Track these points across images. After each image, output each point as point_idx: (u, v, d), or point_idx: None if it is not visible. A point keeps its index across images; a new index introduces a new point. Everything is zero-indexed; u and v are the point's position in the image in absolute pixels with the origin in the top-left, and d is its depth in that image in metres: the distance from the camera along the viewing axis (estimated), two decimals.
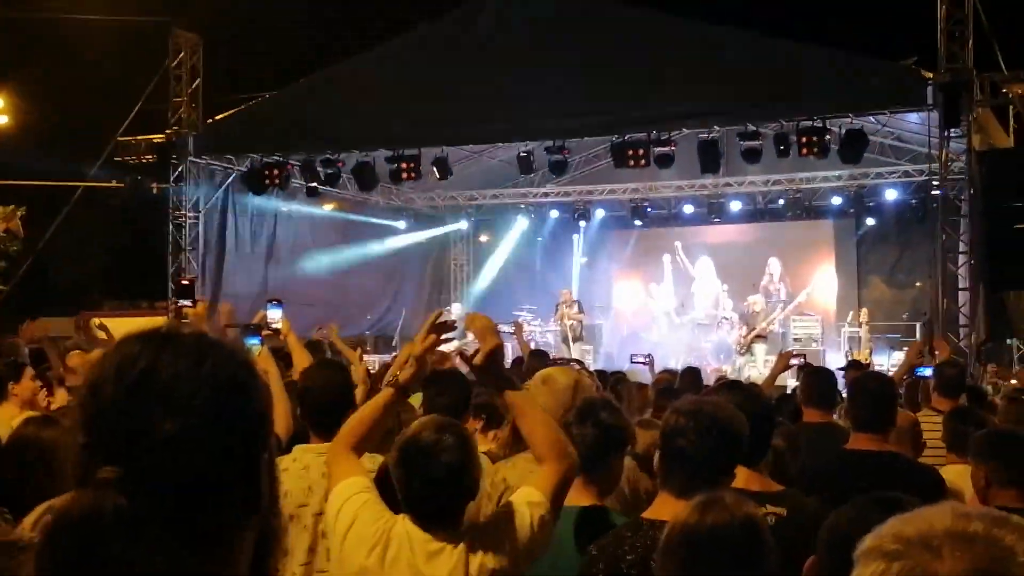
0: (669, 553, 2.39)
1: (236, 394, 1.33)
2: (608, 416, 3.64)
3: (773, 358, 17.05)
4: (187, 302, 7.74)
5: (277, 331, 6.71)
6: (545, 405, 3.97)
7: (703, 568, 2.34)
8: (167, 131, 17.37)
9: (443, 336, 3.70)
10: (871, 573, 1.18)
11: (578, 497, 3.65)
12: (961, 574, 1.12)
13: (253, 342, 5.47)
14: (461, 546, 3.17)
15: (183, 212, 17.68)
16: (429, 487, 3.19)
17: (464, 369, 5.71)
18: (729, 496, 2.38)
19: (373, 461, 3.83)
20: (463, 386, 5.19)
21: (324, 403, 4.42)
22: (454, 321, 3.85)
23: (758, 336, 18.27)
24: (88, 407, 1.30)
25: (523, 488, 3.37)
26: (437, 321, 3.67)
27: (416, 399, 5.25)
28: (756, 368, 17.37)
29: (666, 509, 3.15)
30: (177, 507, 1.24)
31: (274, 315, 6.79)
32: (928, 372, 7.66)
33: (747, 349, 18.30)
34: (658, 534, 3.01)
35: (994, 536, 1.15)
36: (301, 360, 6.26)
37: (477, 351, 3.45)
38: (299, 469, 4.21)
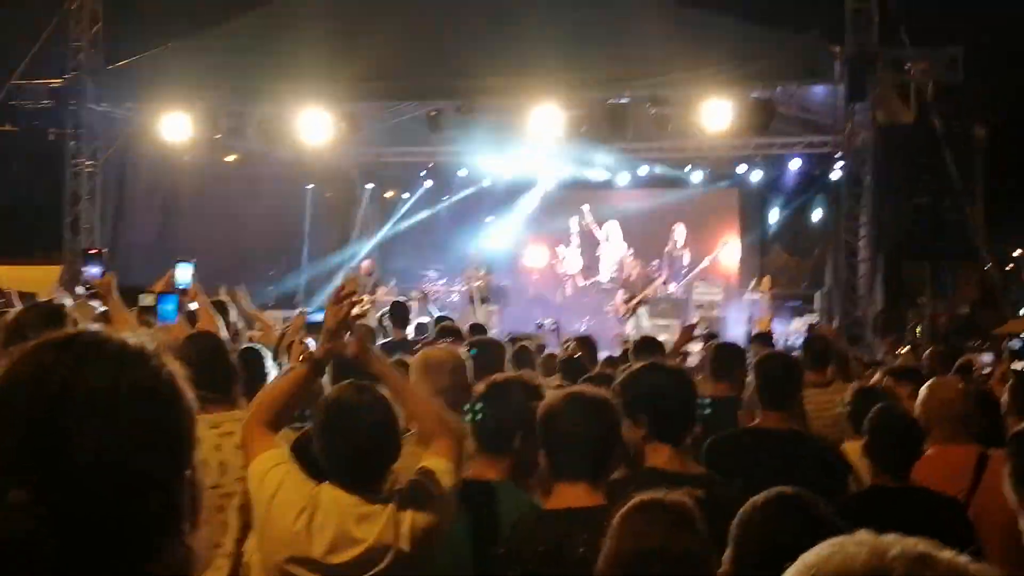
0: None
1: (159, 408, 1.25)
2: (511, 399, 3.71)
3: (661, 321, 17.47)
4: (95, 271, 7.43)
5: (185, 291, 6.48)
6: (423, 387, 4.06)
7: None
8: (65, 76, 16.77)
9: (353, 303, 3.61)
10: None
11: (481, 472, 3.71)
12: None
13: (169, 305, 5.22)
14: (390, 507, 3.18)
15: (80, 160, 17.14)
16: (355, 446, 3.20)
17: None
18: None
19: (285, 438, 3.79)
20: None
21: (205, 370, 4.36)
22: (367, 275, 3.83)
23: (640, 302, 18.40)
24: None
25: (430, 458, 3.38)
26: (343, 293, 3.58)
27: None
28: (642, 331, 17.52)
29: (565, 497, 3.25)
30: (91, 531, 1.16)
31: (183, 274, 6.54)
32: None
33: (631, 313, 18.40)
34: (564, 523, 3.13)
35: None
36: (208, 323, 6.08)
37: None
38: (216, 436, 4.19)
